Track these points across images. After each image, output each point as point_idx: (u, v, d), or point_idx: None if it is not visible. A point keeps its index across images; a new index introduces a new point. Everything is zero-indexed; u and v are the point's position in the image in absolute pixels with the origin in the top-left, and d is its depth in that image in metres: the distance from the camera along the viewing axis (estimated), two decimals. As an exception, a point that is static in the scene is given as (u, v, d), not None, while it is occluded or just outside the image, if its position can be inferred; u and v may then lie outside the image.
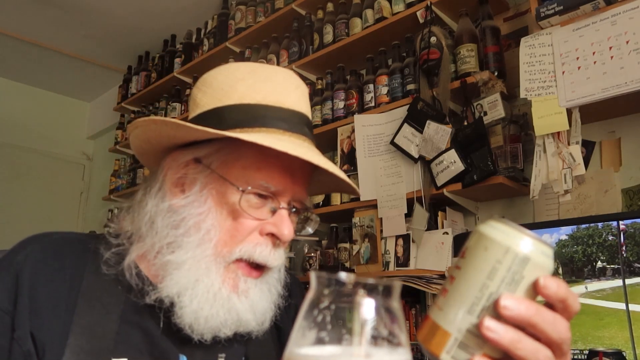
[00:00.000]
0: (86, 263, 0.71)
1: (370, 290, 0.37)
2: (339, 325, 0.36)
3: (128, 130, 0.73)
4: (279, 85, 0.74)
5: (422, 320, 0.45)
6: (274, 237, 0.70)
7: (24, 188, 4.10)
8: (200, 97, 0.75)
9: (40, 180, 4.19)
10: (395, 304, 0.38)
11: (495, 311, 0.41)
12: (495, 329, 0.41)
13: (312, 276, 0.38)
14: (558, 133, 1.59)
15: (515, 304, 0.41)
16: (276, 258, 0.70)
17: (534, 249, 0.42)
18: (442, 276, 1.80)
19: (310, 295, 0.38)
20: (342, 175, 0.76)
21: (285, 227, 0.69)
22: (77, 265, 0.70)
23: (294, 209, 0.73)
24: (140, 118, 0.70)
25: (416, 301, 1.97)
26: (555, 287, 0.42)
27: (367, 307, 0.36)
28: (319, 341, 0.36)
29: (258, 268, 0.70)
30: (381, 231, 2.03)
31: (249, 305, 0.68)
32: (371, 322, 0.36)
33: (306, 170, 0.74)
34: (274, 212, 0.70)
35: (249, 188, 0.68)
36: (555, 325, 0.42)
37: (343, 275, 0.37)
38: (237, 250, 0.68)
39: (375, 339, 0.36)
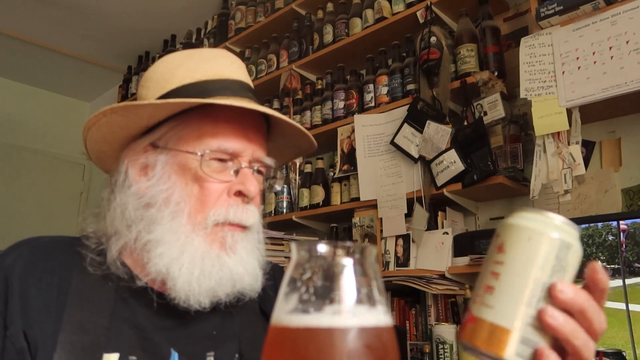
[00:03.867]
0: (75, 263, 0.71)
1: (347, 253, 0.39)
2: (319, 287, 0.38)
3: (83, 135, 0.77)
4: (215, 62, 0.77)
5: (467, 323, 0.43)
6: (242, 195, 0.72)
7: (23, 188, 4.09)
8: (145, 93, 0.78)
9: (40, 180, 4.19)
10: (372, 264, 0.40)
11: (549, 300, 0.42)
12: (557, 317, 0.41)
13: (292, 245, 0.40)
14: (558, 133, 1.59)
15: (570, 288, 0.42)
16: (249, 216, 0.72)
17: (574, 234, 0.43)
18: (442, 276, 1.80)
19: (291, 263, 0.40)
20: (293, 122, 0.78)
21: (250, 183, 0.72)
22: (66, 265, 0.71)
23: (256, 169, 0.75)
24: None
25: (416, 301, 1.97)
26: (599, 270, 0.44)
27: (345, 268, 0.38)
28: (302, 304, 0.38)
29: (238, 227, 0.72)
30: (381, 231, 2.03)
31: (239, 260, 0.70)
32: (350, 282, 0.38)
33: (260, 130, 0.77)
34: (237, 172, 0.73)
35: (207, 151, 0.71)
36: (599, 313, 0.43)
37: (320, 243, 0.39)
38: (211, 214, 0.70)
39: (355, 298, 0.38)
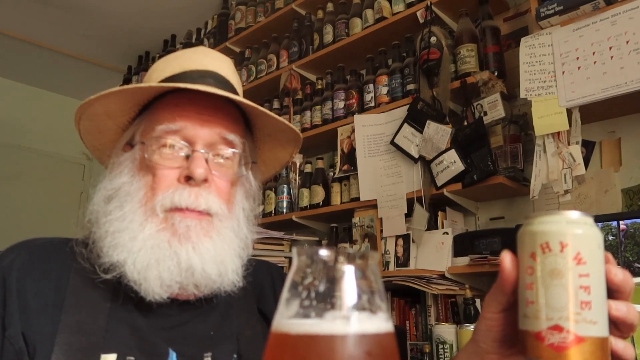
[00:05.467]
0: (72, 264, 0.72)
1: (349, 260, 0.39)
2: (321, 293, 0.38)
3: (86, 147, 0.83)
4: (186, 59, 0.79)
5: (573, 345, 0.42)
6: (191, 179, 0.71)
7: (23, 188, 4.09)
8: None
9: (39, 180, 4.18)
10: (374, 270, 0.40)
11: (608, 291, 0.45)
12: (621, 307, 0.45)
13: (294, 251, 0.40)
14: (558, 133, 1.59)
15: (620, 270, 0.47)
16: (199, 200, 0.70)
17: None
18: (442, 276, 1.80)
19: (293, 268, 0.40)
20: (248, 102, 0.74)
21: (196, 166, 0.70)
22: (62, 266, 0.71)
23: (221, 153, 0.74)
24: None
25: (416, 301, 1.97)
26: None
27: (347, 275, 0.38)
28: (303, 310, 0.38)
29: (197, 214, 0.71)
30: (381, 231, 2.03)
31: (193, 249, 0.68)
32: (351, 289, 0.38)
33: (223, 116, 0.75)
34: (188, 158, 0.72)
35: (152, 139, 0.71)
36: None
37: (322, 249, 0.39)
38: (159, 200, 0.69)
39: (356, 305, 0.38)
